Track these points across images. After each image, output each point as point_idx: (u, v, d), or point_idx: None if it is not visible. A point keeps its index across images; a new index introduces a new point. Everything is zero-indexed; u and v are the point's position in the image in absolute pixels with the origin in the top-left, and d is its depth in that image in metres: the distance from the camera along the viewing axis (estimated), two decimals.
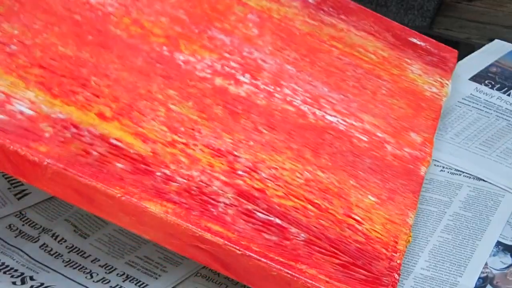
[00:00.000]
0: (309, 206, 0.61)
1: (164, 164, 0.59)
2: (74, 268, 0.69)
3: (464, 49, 0.95)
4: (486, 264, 0.69)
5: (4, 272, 0.68)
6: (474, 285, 0.67)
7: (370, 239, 0.60)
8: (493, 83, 0.90)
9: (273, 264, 0.55)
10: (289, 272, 0.55)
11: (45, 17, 0.66)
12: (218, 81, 0.68)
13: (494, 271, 0.69)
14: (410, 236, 0.63)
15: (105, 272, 0.69)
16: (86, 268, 0.69)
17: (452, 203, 0.75)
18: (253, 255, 0.55)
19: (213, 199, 0.58)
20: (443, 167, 0.79)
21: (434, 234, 0.71)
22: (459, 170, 0.78)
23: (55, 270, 0.69)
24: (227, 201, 0.58)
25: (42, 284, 0.67)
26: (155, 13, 0.72)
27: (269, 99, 0.69)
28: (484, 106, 0.87)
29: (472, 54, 0.94)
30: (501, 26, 1.55)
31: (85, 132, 0.58)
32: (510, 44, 0.98)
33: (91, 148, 0.57)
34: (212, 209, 0.57)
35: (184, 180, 0.58)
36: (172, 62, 0.68)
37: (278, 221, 0.58)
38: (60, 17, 0.67)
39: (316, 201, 0.61)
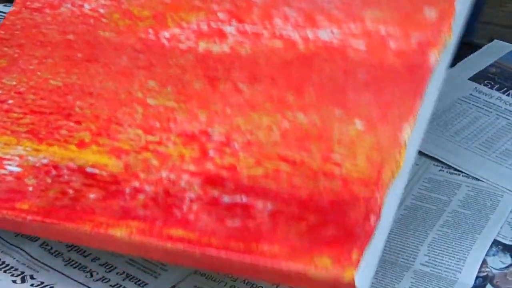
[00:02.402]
0: (282, 166, 0.57)
1: (134, 176, 0.59)
2: (74, 267, 0.69)
3: (464, 49, 0.95)
4: (486, 263, 0.69)
5: (4, 271, 0.68)
6: (473, 283, 0.67)
7: (348, 183, 0.54)
8: (492, 83, 0.90)
9: (233, 255, 0.54)
10: (249, 258, 0.53)
11: (41, 52, 0.69)
12: (202, 45, 0.67)
13: (494, 271, 0.69)
14: (403, 151, 0.55)
15: (105, 271, 0.69)
16: (86, 267, 0.69)
17: (451, 202, 0.75)
18: (212, 253, 0.54)
19: (178, 199, 0.57)
20: (442, 167, 0.79)
21: (433, 228, 0.72)
22: (458, 170, 0.79)
23: (55, 269, 0.69)
24: (193, 195, 0.57)
25: (42, 283, 0.67)
26: None
27: (255, 44, 0.65)
28: (483, 106, 0.87)
29: (472, 55, 0.94)
30: (501, 26, 1.55)
31: (64, 170, 0.61)
32: (510, 44, 0.98)
33: (68, 187, 0.60)
34: (176, 212, 0.57)
35: (152, 187, 0.58)
36: (156, 46, 0.68)
37: (244, 199, 0.56)
38: (54, 44, 0.69)
39: (290, 156, 0.57)
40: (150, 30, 0.69)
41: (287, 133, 0.59)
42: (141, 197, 0.58)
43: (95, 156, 0.61)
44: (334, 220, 0.52)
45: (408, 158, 0.56)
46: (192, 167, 0.59)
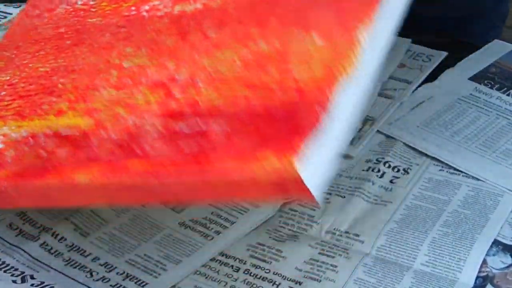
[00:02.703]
0: (242, 92, 0.57)
1: (103, 128, 0.59)
2: (74, 267, 0.69)
3: (464, 49, 0.96)
4: (486, 263, 0.69)
5: (5, 271, 0.69)
6: (473, 283, 0.67)
7: (304, 91, 0.54)
8: (492, 83, 0.90)
9: (186, 174, 0.53)
10: (199, 172, 0.53)
11: (35, 47, 0.71)
12: (177, 8, 0.67)
13: (494, 271, 0.69)
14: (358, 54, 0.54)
15: (105, 271, 0.69)
16: (86, 267, 0.69)
17: (451, 202, 0.75)
18: (166, 175, 0.54)
19: (141, 139, 0.57)
20: (442, 167, 0.79)
21: (434, 228, 0.72)
22: (458, 170, 0.79)
23: (55, 269, 0.69)
24: (155, 134, 0.57)
25: (42, 282, 0.67)
26: None
27: None
28: (483, 106, 0.87)
29: (472, 55, 0.94)
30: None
31: (41, 137, 0.61)
32: (510, 44, 0.98)
33: (42, 150, 0.60)
34: (137, 151, 0.56)
35: (118, 134, 0.58)
36: (137, 19, 0.69)
37: (203, 126, 0.56)
38: (47, 39, 0.71)
39: (250, 81, 0.57)
40: (133, 8, 0.70)
41: (248, 61, 0.59)
42: (106, 144, 0.58)
43: (70, 120, 0.62)
44: (283, 121, 0.52)
45: (368, 60, 0.55)
46: (157, 109, 0.59)
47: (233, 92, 0.58)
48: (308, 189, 0.49)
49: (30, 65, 0.70)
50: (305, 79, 0.54)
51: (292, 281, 0.68)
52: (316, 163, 0.50)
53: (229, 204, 0.75)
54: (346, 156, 0.81)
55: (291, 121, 0.51)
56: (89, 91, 0.64)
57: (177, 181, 0.54)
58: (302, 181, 0.49)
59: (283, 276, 0.69)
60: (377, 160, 0.80)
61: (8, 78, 0.69)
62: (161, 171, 0.55)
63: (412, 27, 0.97)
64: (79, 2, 0.74)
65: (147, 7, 0.69)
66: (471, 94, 0.89)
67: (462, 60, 0.93)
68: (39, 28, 0.74)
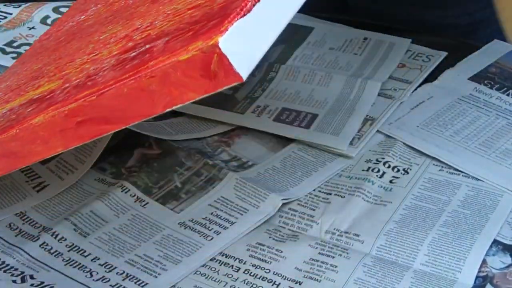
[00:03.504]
0: (188, 12, 0.58)
1: (68, 81, 0.60)
2: (74, 267, 0.69)
3: (464, 49, 0.96)
4: (486, 263, 0.69)
5: (4, 271, 0.69)
6: (473, 283, 0.67)
7: None
8: (492, 83, 0.90)
9: (122, 82, 0.54)
10: (133, 78, 0.53)
11: (36, 57, 0.73)
12: None
13: (494, 271, 0.69)
14: None
15: (105, 271, 0.69)
16: (86, 267, 0.69)
17: (451, 201, 0.75)
18: (106, 89, 0.54)
19: (95, 75, 0.58)
20: (442, 167, 0.79)
21: (433, 228, 0.72)
22: (458, 170, 0.79)
23: (55, 269, 0.69)
24: (107, 67, 0.58)
25: (42, 282, 0.67)
26: None
27: None
28: (483, 106, 0.87)
29: (472, 55, 0.94)
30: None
31: (16, 107, 0.62)
32: (509, 44, 0.98)
33: (13, 115, 0.60)
34: (89, 84, 0.57)
35: (77, 80, 0.59)
36: (123, 7, 0.70)
37: (147, 46, 0.57)
38: (48, 48, 0.73)
39: (198, 2, 0.59)
40: (123, 2, 0.71)
41: None
42: (66, 90, 0.59)
43: (44, 87, 0.63)
44: (217, 17, 0.53)
45: None
46: (115, 52, 0.60)
47: (181, 16, 0.58)
48: (232, 66, 0.50)
49: (27, 69, 0.71)
50: None
51: (292, 281, 0.68)
52: (242, 43, 0.50)
53: (228, 205, 0.75)
54: (346, 156, 0.81)
55: (224, 14, 0.52)
56: (67, 65, 0.65)
57: (116, 92, 0.54)
58: (226, 57, 0.49)
59: (283, 276, 0.69)
60: (377, 160, 0.80)
61: (8, 83, 0.71)
62: (102, 88, 0.55)
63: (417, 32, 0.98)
64: (82, 17, 0.76)
65: None
66: (471, 94, 0.89)
67: (462, 60, 0.93)
68: (44, 44, 0.76)
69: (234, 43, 0.50)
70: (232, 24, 0.50)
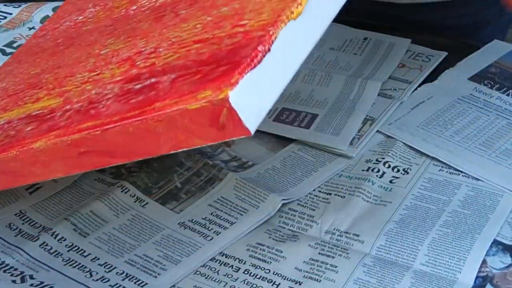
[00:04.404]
0: (194, 46, 0.57)
1: (69, 103, 0.60)
2: (73, 267, 0.69)
3: (464, 49, 0.96)
4: (486, 263, 0.69)
5: (4, 271, 0.69)
6: (473, 283, 0.67)
7: (249, 33, 0.54)
8: (492, 83, 0.90)
9: (128, 121, 0.53)
10: (139, 118, 0.53)
11: (33, 57, 0.73)
12: (160, 0, 0.68)
13: (494, 271, 0.69)
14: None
15: (105, 271, 0.69)
16: (85, 267, 0.69)
17: (451, 202, 0.75)
18: (111, 126, 0.54)
19: (98, 103, 0.57)
20: (442, 167, 0.79)
21: (433, 228, 0.72)
22: (458, 170, 0.78)
23: (54, 269, 0.69)
24: (111, 95, 0.57)
25: (41, 282, 0.67)
26: None
27: None
28: (483, 106, 0.87)
29: (472, 55, 0.94)
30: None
31: (15, 121, 0.62)
32: (509, 44, 0.98)
33: (12, 130, 0.60)
34: (92, 112, 0.57)
35: (79, 104, 0.59)
36: (123, 17, 0.70)
37: (152, 80, 0.56)
38: (45, 49, 0.73)
39: (204, 37, 0.58)
40: (123, 10, 0.71)
41: (208, 24, 0.59)
42: (67, 113, 0.59)
43: (44, 103, 0.63)
44: (226, 63, 0.53)
45: (317, 4, 0.55)
46: (119, 78, 0.59)
47: (186, 48, 0.58)
48: (241, 120, 0.50)
49: (24, 71, 0.71)
50: (252, 23, 0.55)
51: (292, 281, 0.68)
52: (251, 96, 0.50)
53: (228, 205, 0.75)
54: (346, 156, 0.81)
55: (233, 60, 0.51)
56: (66, 79, 0.64)
57: (121, 129, 0.54)
58: (235, 112, 0.49)
59: (283, 276, 0.69)
60: (377, 160, 0.80)
61: (3, 85, 0.71)
62: (107, 122, 0.54)
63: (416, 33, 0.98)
64: (80, 18, 0.75)
65: (134, 7, 0.70)
66: (471, 94, 0.89)
67: (462, 60, 0.93)
68: (41, 43, 0.76)
69: (244, 97, 0.50)
70: (243, 76, 0.50)
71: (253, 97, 0.50)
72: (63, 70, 0.67)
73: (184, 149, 0.54)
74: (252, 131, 0.51)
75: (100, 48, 0.66)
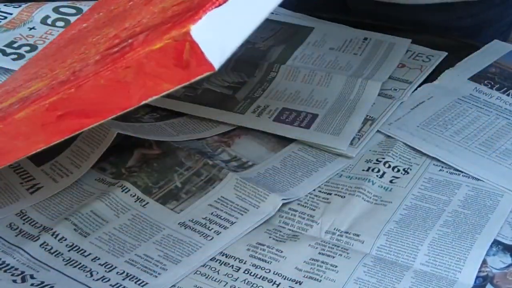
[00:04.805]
0: (172, 8, 0.59)
1: (56, 79, 0.61)
2: (74, 267, 0.69)
3: (464, 49, 0.96)
4: (486, 263, 0.69)
5: (5, 271, 0.69)
6: (473, 283, 0.67)
7: None
8: (492, 83, 0.90)
9: (100, 74, 0.54)
10: (110, 68, 0.54)
11: (36, 63, 0.74)
12: None
13: (494, 271, 0.69)
14: None
15: (105, 271, 0.69)
16: (86, 267, 0.69)
17: (451, 202, 0.75)
18: (84, 81, 0.55)
19: (80, 71, 0.58)
20: (442, 167, 0.79)
21: (433, 228, 0.72)
22: (458, 170, 0.79)
23: (55, 269, 0.69)
24: (92, 62, 0.58)
25: (42, 282, 0.67)
26: None
27: None
28: (483, 106, 0.87)
29: (472, 55, 0.94)
30: None
31: (6, 107, 0.62)
32: (509, 44, 0.98)
33: (4, 112, 0.61)
34: (72, 78, 0.57)
35: (64, 77, 0.59)
36: (121, 12, 0.70)
37: (130, 41, 0.57)
38: (49, 54, 0.75)
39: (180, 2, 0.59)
40: (121, 8, 0.71)
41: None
42: (52, 86, 0.60)
43: (34, 86, 0.63)
44: (195, 7, 0.53)
45: None
46: (102, 49, 0.60)
47: (166, 12, 0.59)
48: (203, 54, 0.50)
49: (26, 72, 0.72)
50: None
51: (292, 281, 0.68)
52: (215, 32, 0.51)
53: (228, 205, 0.75)
54: (346, 156, 0.81)
55: (201, 4, 0.52)
56: (59, 65, 0.65)
57: (93, 83, 0.55)
58: (197, 45, 0.50)
59: (283, 276, 0.69)
60: (377, 160, 0.80)
61: (6, 88, 0.71)
62: (81, 80, 0.55)
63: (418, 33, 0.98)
64: (84, 25, 0.76)
65: (131, 3, 0.71)
66: (471, 94, 0.89)
67: (462, 60, 0.93)
68: (46, 53, 0.77)
69: (206, 31, 0.50)
70: (206, 13, 0.50)
71: (217, 33, 0.51)
72: (58, 62, 0.68)
73: (154, 97, 0.54)
74: (216, 66, 0.51)
75: (93, 37, 0.67)
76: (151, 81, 0.53)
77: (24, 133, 0.59)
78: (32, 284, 0.67)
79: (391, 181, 0.78)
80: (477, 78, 0.91)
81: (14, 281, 0.67)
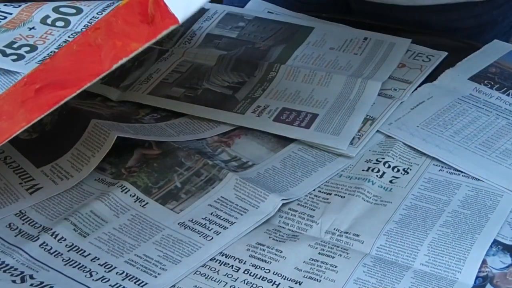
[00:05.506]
0: None
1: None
2: (73, 267, 0.69)
3: (464, 49, 0.96)
4: (486, 263, 0.69)
5: (4, 271, 0.69)
6: (473, 283, 0.67)
7: None
8: (492, 83, 0.90)
9: (73, 40, 0.57)
10: (82, 34, 0.57)
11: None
12: None
13: (494, 271, 0.69)
14: None
15: (105, 271, 0.69)
16: (85, 267, 0.69)
17: (451, 202, 0.75)
18: (58, 50, 0.58)
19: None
20: (442, 167, 0.79)
21: (433, 228, 0.72)
22: (458, 170, 0.78)
23: (54, 269, 0.69)
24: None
25: (41, 282, 0.67)
26: None
27: None
28: (483, 106, 0.87)
29: (472, 55, 0.94)
30: None
31: None
32: (509, 44, 0.98)
33: None
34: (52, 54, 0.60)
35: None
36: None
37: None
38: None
39: None
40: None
41: None
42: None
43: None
44: None
45: None
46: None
47: None
48: (167, 6, 0.52)
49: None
50: None
51: (292, 281, 0.68)
52: None
53: (228, 205, 0.75)
54: (346, 156, 0.81)
55: None
56: None
57: (66, 50, 0.57)
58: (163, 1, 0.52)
59: (283, 276, 0.69)
60: (377, 160, 0.80)
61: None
62: (57, 52, 0.58)
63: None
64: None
65: None
66: (471, 94, 0.89)
67: (462, 60, 0.93)
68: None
69: None
70: None
71: None
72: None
73: (124, 59, 0.56)
74: (180, 19, 0.52)
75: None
76: (120, 41, 0.55)
77: (7, 112, 0.60)
78: (31, 284, 0.67)
79: (391, 181, 0.78)
80: (477, 78, 0.91)
81: (14, 281, 0.67)
